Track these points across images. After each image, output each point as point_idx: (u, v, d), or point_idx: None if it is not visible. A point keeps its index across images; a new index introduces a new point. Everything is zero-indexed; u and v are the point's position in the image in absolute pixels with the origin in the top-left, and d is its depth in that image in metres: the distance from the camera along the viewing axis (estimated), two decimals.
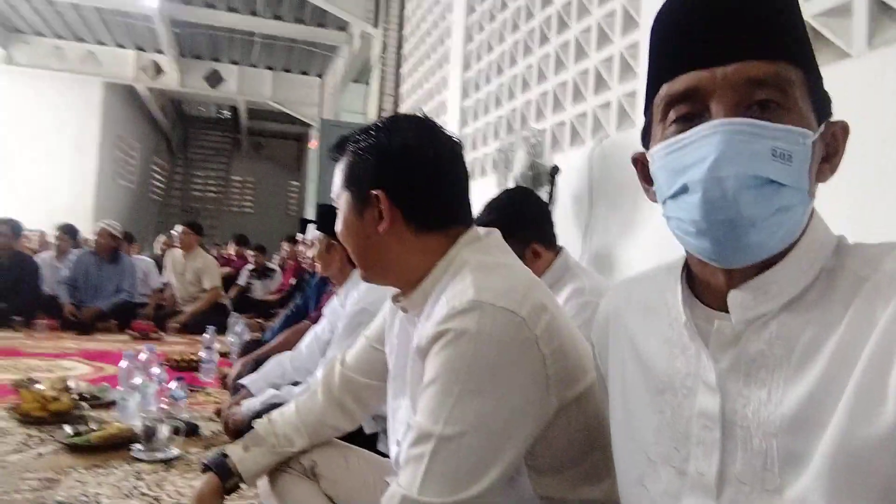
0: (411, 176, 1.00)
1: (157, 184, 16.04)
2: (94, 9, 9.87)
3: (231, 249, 8.53)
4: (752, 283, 0.63)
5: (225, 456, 1.21)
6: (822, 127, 0.64)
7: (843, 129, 0.67)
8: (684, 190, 0.62)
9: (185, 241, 5.45)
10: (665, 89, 0.66)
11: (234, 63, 12.10)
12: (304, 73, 12.41)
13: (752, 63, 0.61)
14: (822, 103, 0.65)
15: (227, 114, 16.70)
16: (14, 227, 5.28)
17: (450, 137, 1.07)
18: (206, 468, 1.22)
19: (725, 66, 0.62)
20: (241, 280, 6.79)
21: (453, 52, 5.28)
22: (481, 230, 1.06)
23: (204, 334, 3.53)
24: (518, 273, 0.98)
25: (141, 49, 11.49)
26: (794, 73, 0.62)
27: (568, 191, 3.21)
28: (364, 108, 9.20)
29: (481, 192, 1.97)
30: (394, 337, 1.13)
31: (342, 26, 9.75)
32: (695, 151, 0.61)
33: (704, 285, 0.70)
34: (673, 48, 0.66)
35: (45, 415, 2.32)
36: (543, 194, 3.14)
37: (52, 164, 11.16)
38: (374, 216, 1.00)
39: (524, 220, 1.89)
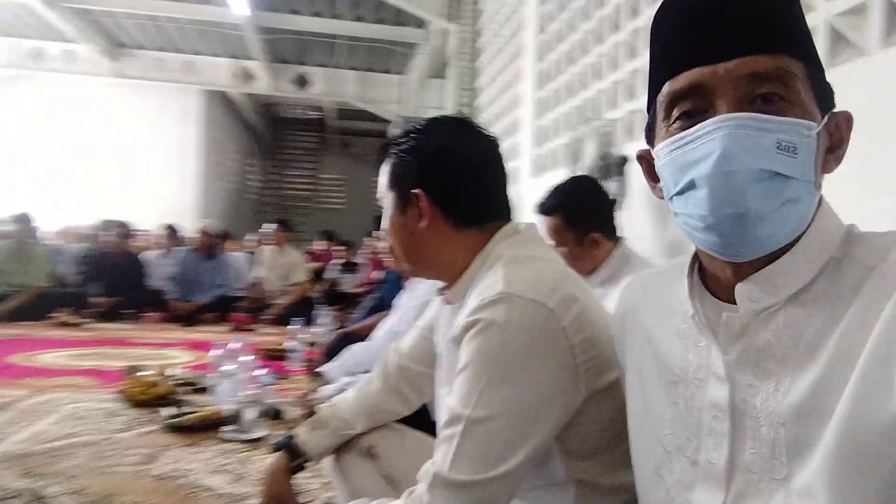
0: (448, 175, 1.06)
1: (253, 183, 16.90)
2: (191, 21, 10.50)
3: (319, 245, 8.89)
4: (759, 275, 0.64)
5: (292, 437, 1.32)
6: (826, 118, 0.64)
7: (847, 119, 0.67)
8: (691, 186, 0.63)
9: (277, 238, 5.77)
10: (668, 87, 0.67)
11: (320, 65, 12.50)
12: (386, 71, 12.66)
13: (753, 58, 0.62)
14: (824, 95, 0.65)
15: (315, 114, 17.33)
16: (124, 229, 5.77)
17: (486, 136, 1.12)
18: (275, 448, 1.34)
19: (727, 62, 0.62)
20: (330, 274, 7.08)
21: (527, 43, 5.29)
22: (521, 224, 1.10)
23: (291, 325, 3.76)
24: (549, 265, 1.01)
25: (234, 57, 12.12)
26: (795, 65, 0.62)
27: (642, 180, 3.17)
28: (441, 103, 9.32)
29: (554, 184, 2.00)
30: (441, 327, 1.21)
31: (420, 24, 9.90)
32: (700, 147, 0.62)
33: (714, 278, 0.71)
34: (674, 46, 0.67)
35: (147, 398, 2.57)
36: (614, 184, 3.13)
37: (158, 169, 12.02)
38: (415, 214, 1.06)
39: (585, 208, 1.91)
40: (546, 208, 1.90)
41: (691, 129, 0.63)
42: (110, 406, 2.56)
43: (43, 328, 4.76)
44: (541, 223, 1.90)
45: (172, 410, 2.40)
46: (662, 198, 0.70)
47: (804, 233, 0.64)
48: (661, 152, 0.67)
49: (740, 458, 0.64)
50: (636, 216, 2.94)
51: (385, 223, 1.14)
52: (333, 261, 7.46)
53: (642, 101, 2.47)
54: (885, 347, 0.55)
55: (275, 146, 17.66)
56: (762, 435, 0.63)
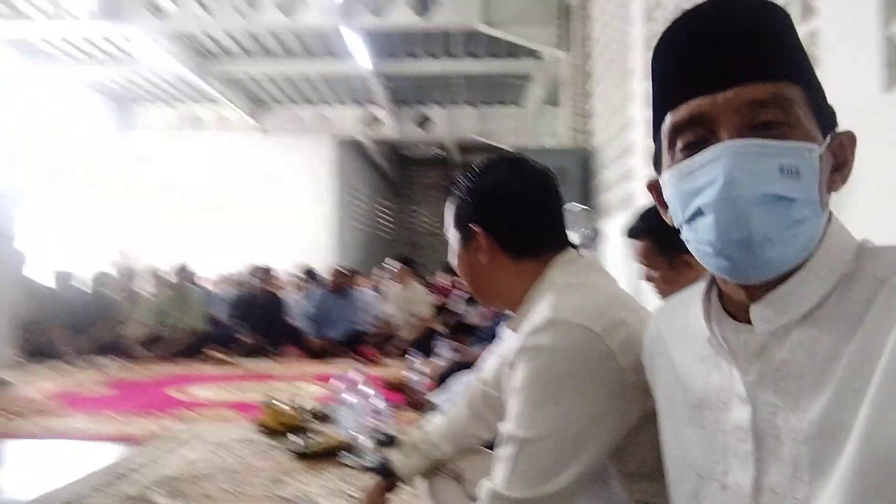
0: (502, 211, 1.13)
1: (384, 222, 17.72)
2: (321, 76, 11.38)
3: (442, 278, 9.13)
4: (772, 296, 0.65)
5: (387, 460, 1.44)
6: (828, 139, 0.65)
7: (850, 138, 0.68)
8: (698, 213, 0.64)
9: (399, 275, 6.05)
10: (670, 118, 0.69)
11: (439, 104, 13.00)
12: (502, 103, 12.91)
13: (751, 86, 0.63)
14: (825, 117, 0.66)
15: (439, 151, 17.95)
16: (266, 273, 6.32)
17: (539, 172, 1.19)
18: (372, 470, 1.45)
19: (726, 91, 0.64)
20: (455, 307, 7.26)
21: (635, 64, 5.22)
22: (576, 252, 1.15)
23: (410, 357, 3.92)
24: (599, 291, 1.05)
25: (361, 104, 12.92)
26: (793, 90, 0.64)
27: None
28: (556, 129, 9.34)
29: (641, 207, 1.99)
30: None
31: (533, 54, 10.04)
32: (704, 175, 0.63)
33: (730, 300, 0.72)
34: (674, 78, 0.69)
35: (279, 427, 2.81)
36: None
37: (297, 214, 12.98)
38: (476, 249, 1.14)
39: (674, 230, 1.89)
40: (634, 232, 1.90)
41: (695, 158, 0.64)
42: (247, 434, 2.83)
43: (197, 364, 5.31)
44: (630, 248, 1.90)
45: (299, 438, 2.61)
46: (674, 225, 0.72)
47: (814, 251, 0.64)
48: (667, 181, 0.70)
49: (765, 480, 0.65)
50: None
51: (452, 258, 1.22)
52: (457, 293, 7.64)
53: None
54: None
55: (402, 185, 18.47)
56: (785, 455, 0.63)
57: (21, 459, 2.61)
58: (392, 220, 18.23)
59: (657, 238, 1.87)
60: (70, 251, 9.91)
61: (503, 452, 0.97)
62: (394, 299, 6.14)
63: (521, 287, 1.12)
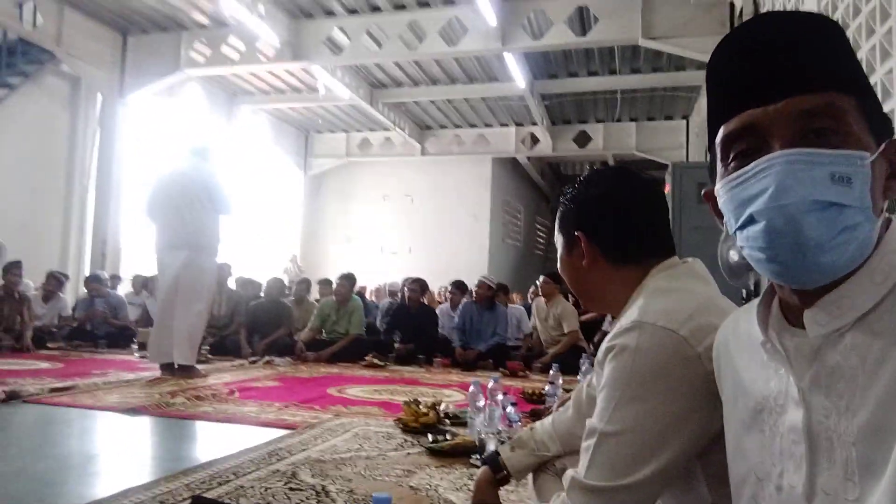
0: (603, 218, 1.19)
1: (540, 240, 17.74)
2: (481, 99, 11.78)
3: None
4: (825, 300, 0.66)
5: (498, 454, 1.51)
6: (883, 146, 0.65)
7: None
8: (751, 220, 0.66)
9: (546, 290, 6.07)
10: (723, 129, 0.72)
11: (599, 121, 12.84)
12: (669, 117, 12.45)
13: (802, 97, 0.65)
14: (880, 125, 0.67)
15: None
16: (422, 286, 6.65)
17: (644, 182, 1.23)
18: (483, 462, 1.54)
19: (777, 103, 0.66)
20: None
21: None
22: (678, 259, 1.17)
23: (551, 371, 3.95)
24: (692, 296, 1.05)
25: (519, 124, 13.14)
26: (844, 100, 0.65)
27: None
28: None
29: None
30: None
31: (702, 65, 9.60)
32: (756, 184, 0.65)
33: (786, 306, 0.73)
34: (726, 92, 0.72)
35: (417, 426, 2.98)
36: None
37: (456, 232, 13.46)
38: (579, 254, 1.20)
39: None
40: None
41: (747, 167, 0.67)
42: (389, 430, 3.03)
43: (355, 368, 5.72)
44: None
45: (434, 437, 2.76)
46: (730, 233, 0.74)
47: (871, 256, 0.65)
48: (720, 190, 0.72)
49: (818, 481, 0.65)
50: None
51: (559, 263, 1.29)
52: None
53: None
54: None
55: (559, 202, 18.35)
56: (836, 456, 0.63)
57: (198, 435, 3.02)
58: (547, 236, 18.19)
59: None
60: (249, 257, 11.10)
61: (586, 444, 1.02)
62: (541, 315, 6.17)
63: (623, 293, 1.15)
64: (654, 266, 1.14)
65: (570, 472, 1.02)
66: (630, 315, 1.03)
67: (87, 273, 8.54)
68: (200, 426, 3.13)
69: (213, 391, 4.00)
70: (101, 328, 7.15)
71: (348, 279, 6.66)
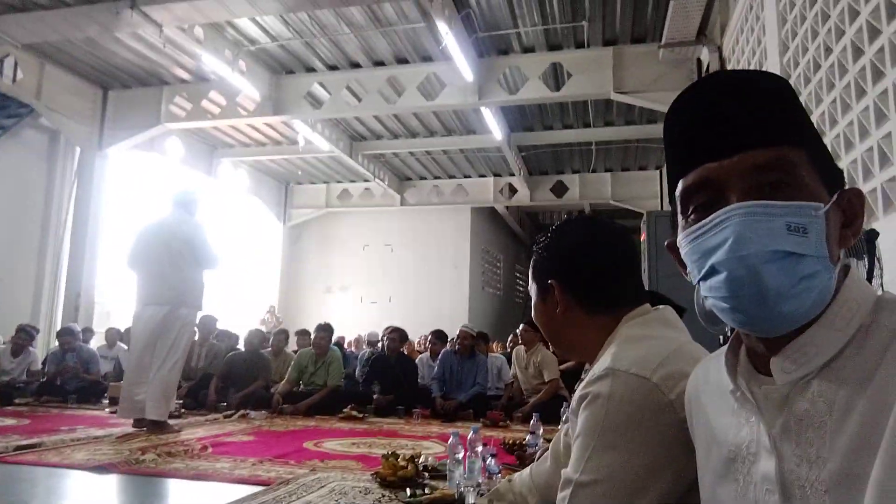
0: (577, 268, 1.21)
1: (520, 288, 17.78)
2: (459, 151, 11.98)
3: None
4: (790, 348, 0.67)
5: None
6: (836, 196, 0.68)
7: (857, 195, 0.70)
8: (713, 271, 0.69)
9: (526, 338, 6.05)
10: (681, 184, 0.75)
11: (576, 171, 13.09)
12: (643, 168, 12.73)
13: (755, 151, 0.68)
14: (831, 176, 0.70)
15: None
16: (401, 335, 6.60)
17: (615, 232, 1.25)
18: None
19: (731, 157, 0.69)
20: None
21: None
22: (650, 307, 1.18)
23: (531, 421, 3.91)
24: (664, 344, 1.06)
25: (497, 175, 13.35)
26: (796, 153, 0.68)
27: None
28: None
29: None
30: None
31: None
32: (715, 236, 0.68)
33: (752, 353, 0.74)
34: (682, 147, 0.75)
35: (395, 479, 2.91)
36: (863, 264, 2.78)
37: (436, 281, 13.47)
38: (553, 302, 1.21)
39: None
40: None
41: (706, 220, 0.69)
42: (367, 485, 2.96)
43: (333, 420, 5.60)
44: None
45: (412, 491, 2.70)
46: (692, 282, 0.76)
47: (830, 304, 0.66)
48: (682, 242, 0.74)
49: None
50: None
51: (533, 311, 1.30)
52: None
53: None
54: None
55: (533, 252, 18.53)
56: None
57: (168, 493, 2.93)
58: (526, 284, 18.26)
59: None
60: (226, 308, 10.94)
61: (561, 495, 1.01)
62: (522, 363, 6.14)
63: (597, 340, 1.16)
64: (626, 313, 1.15)
65: None
66: (603, 362, 1.04)
67: (59, 326, 8.36)
68: (171, 484, 3.04)
69: (186, 447, 3.89)
70: (71, 383, 6.95)
71: (326, 330, 6.59)
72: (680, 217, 0.76)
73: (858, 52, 3.35)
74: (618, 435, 0.96)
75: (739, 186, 0.67)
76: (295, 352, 7.34)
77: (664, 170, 12.11)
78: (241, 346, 7.34)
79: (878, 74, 3.15)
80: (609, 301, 1.17)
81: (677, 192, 0.76)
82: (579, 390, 1.05)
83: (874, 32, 3.17)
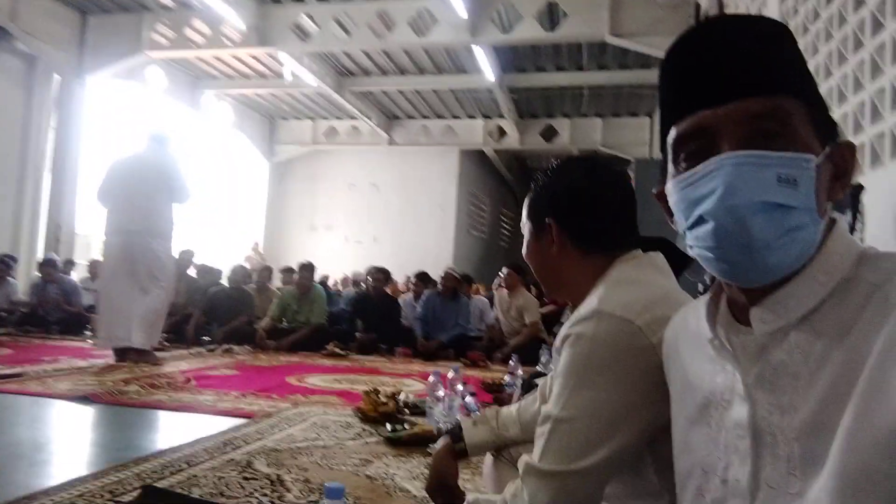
0: (574, 207, 1.19)
1: (505, 232, 17.85)
2: (449, 91, 11.77)
3: None
4: (771, 299, 0.67)
5: (460, 427, 1.51)
6: (828, 149, 0.67)
7: (850, 148, 0.69)
8: (700, 220, 0.68)
9: (510, 282, 6.11)
10: (674, 130, 0.73)
11: (566, 116, 12.96)
12: (633, 114, 12.63)
13: (750, 100, 0.66)
14: (825, 128, 0.68)
15: None
16: (385, 275, 6.63)
17: (614, 173, 1.24)
18: (444, 433, 1.54)
19: (726, 105, 0.67)
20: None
21: None
22: (642, 252, 1.18)
23: (510, 362, 3.98)
24: (651, 288, 1.07)
25: (487, 117, 13.18)
26: (792, 103, 0.66)
27: (878, 213, 2.81)
28: None
29: None
30: None
31: None
32: (705, 184, 0.67)
33: (733, 304, 0.75)
34: (678, 93, 0.73)
35: (376, 415, 2.97)
36: (847, 217, 2.81)
37: (422, 222, 13.46)
38: (548, 241, 1.21)
39: None
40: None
41: (697, 168, 0.68)
42: (348, 420, 3.02)
43: (316, 357, 5.68)
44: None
45: (392, 427, 2.76)
46: (679, 231, 0.75)
47: (814, 257, 0.66)
48: (671, 189, 0.73)
49: (762, 475, 0.67)
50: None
51: (524, 249, 1.29)
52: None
53: (890, 121, 2.33)
54: (885, 364, 0.57)
55: (524, 195, 18.51)
56: (780, 451, 0.65)
57: (151, 424, 2.97)
58: (512, 229, 18.33)
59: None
60: (210, 244, 10.93)
61: (541, 429, 1.03)
62: (504, 306, 6.21)
63: (587, 282, 1.16)
64: (618, 256, 1.15)
65: (524, 458, 1.04)
66: (590, 304, 1.04)
67: (40, 257, 8.28)
68: (154, 415, 3.08)
69: (169, 379, 3.93)
70: (53, 314, 6.95)
71: (308, 269, 6.59)
72: (671, 164, 0.75)
73: (860, 3, 3.29)
74: (598, 374, 0.98)
75: (732, 135, 0.66)
76: (279, 289, 7.37)
77: (654, 117, 12.11)
78: (223, 281, 7.34)
79: (877, 26, 3.10)
80: (604, 242, 1.17)
81: (669, 138, 0.74)
82: (564, 329, 1.06)
83: None
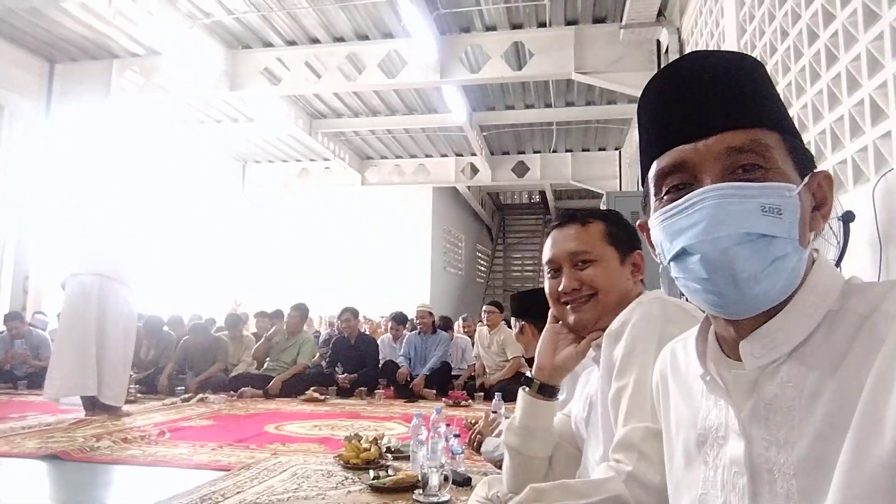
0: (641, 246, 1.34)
1: (481, 268, 17.89)
2: (420, 130, 11.88)
3: None
4: (760, 332, 0.67)
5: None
6: (807, 179, 0.68)
7: (826, 178, 0.70)
8: (684, 252, 0.68)
9: (491, 319, 6.11)
10: (655, 165, 0.74)
11: (537, 152, 13.14)
12: (602, 149, 12.86)
13: (730, 133, 0.67)
14: (802, 158, 0.69)
15: (536, 198, 18.02)
16: (354, 314, 6.57)
17: None
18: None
19: (706, 139, 0.68)
20: None
21: None
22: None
23: (494, 399, 3.93)
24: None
25: (459, 154, 13.30)
26: (770, 136, 0.68)
27: (864, 237, 2.87)
28: None
29: None
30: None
31: (633, 99, 9.99)
32: (688, 217, 0.67)
33: (722, 338, 0.74)
34: (657, 128, 0.74)
35: (358, 462, 2.90)
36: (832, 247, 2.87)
37: (397, 261, 13.41)
38: (629, 269, 1.33)
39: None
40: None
41: (680, 200, 0.68)
42: (329, 468, 2.94)
43: (295, 403, 5.56)
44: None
45: (376, 473, 2.69)
46: (663, 263, 0.75)
47: (798, 289, 0.66)
48: (654, 222, 0.73)
49: None
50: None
51: (600, 273, 1.30)
52: None
53: (850, 149, 2.34)
54: (877, 394, 0.57)
55: (501, 231, 18.68)
56: (778, 488, 0.64)
57: (125, 481, 2.86)
58: (488, 265, 18.39)
59: None
60: (188, 297, 10.75)
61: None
62: (485, 343, 6.20)
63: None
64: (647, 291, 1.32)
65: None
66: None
67: (6, 310, 8.04)
68: (127, 471, 2.97)
69: (142, 433, 3.80)
70: (21, 368, 6.73)
71: (299, 309, 6.50)
72: (653, 197, 0.75)
73: (814, 36, 3.42)
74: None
75: (713, 168, 0.67)
76: (254, 334, 7.24)
77: (623, 150, 12.33)
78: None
79: (832, 59, 3.22)
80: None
81: (651, 173, 0.75)
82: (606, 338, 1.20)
83: (829, 17, 3.23)
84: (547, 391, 1.36)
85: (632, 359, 1.10)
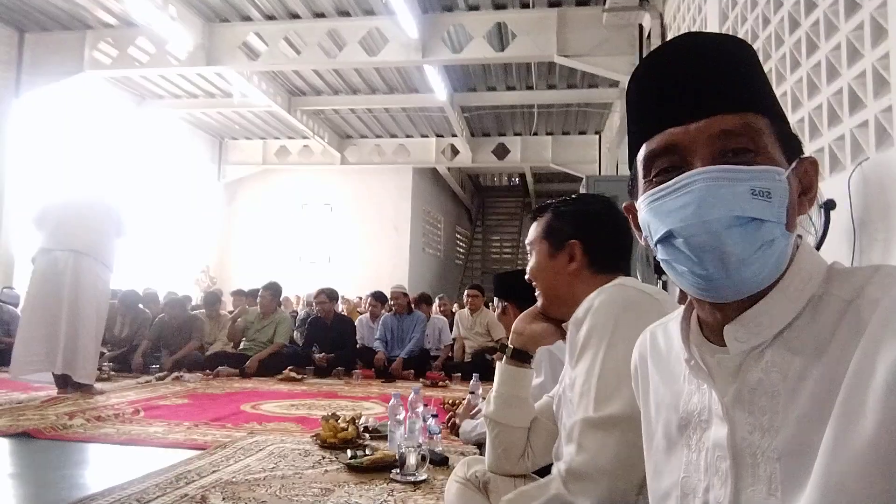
0: (597, 232, 1.35)
1: (460, 250, 17.92)
2: (401, 110, 11.79)
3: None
4: (745, 316, 0.67)
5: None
6: (795, 163, 0.68)
7: (813, 164, 0.71)
8: (671, 235, 0.67)
9: (474, 303, 6.16)
10: (645, 147, 0.73)
11: (517, 134, 13.12)
12: (583, 132, 12.88)
13: (721, 116, 0.67)
14: (790, 144, 0.69)
15: (516, 180, 18.04)
16: (330, 295, 6.54)
17: (621, 210, 1.32)
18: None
19: (697, 122, 0.67)
20: None
21: None
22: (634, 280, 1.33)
23: (472, 381, 3.95)
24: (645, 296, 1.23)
25: (440, 135, 13.24)
26: (760, 121, 0.67)
27: (840, 227, 2.91)
28: None
29: None
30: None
31: (614, 83, 10.00)
32: (677, 199, 0.66)
33: (705, 323, 0.74)
34: (648, 110, 0.73)
35: (335, 441, 2.90)
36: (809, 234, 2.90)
37: (376, 242, 13.39)
38: (564, 260, 1.33)
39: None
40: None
41: (670, 182, 0.67)
42: (306, 447, 2.95)
43: (272, 382, 5.54)
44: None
45: (353, 452, 2.70)
46: (650, 246, 0.74)
47: (784, 273, 0.67)
48: (642, 204, 0.72)
49: (742, 496, 0.66)
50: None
51: (533, 266, 1.39)
52: None
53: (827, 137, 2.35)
54: (860, 379, 0.57)
55: (481, 213, 18.69)
56: (760, 472, 0.65)
57: (99, 460, 2.83)
58: (467, 247, 18.44)
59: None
60: (158, 268, 10.61)
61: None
62: (466, 325, 6.24)
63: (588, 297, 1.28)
64: (615, 278, 1.30)
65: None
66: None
67: None
68: (101, 449, 2.94)
69: (116, 411, 3.76)
70: None
71: (270, 288, 6.45)
72: (642, 180, 0.74)
73: (795, 24, 3.44)
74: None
75: (704, 151, 0.67)
76: (230, 312, 7.19)
77: (603, 135, 12.35)
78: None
79: (812, 47, 3.24)
80: (614, 265, 1.35)
81: (640, 155, 0.74)
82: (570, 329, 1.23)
83: (810, 6, 3.25)
84: (520, 356, 1.42)
85: (587, 347, 1.15)
